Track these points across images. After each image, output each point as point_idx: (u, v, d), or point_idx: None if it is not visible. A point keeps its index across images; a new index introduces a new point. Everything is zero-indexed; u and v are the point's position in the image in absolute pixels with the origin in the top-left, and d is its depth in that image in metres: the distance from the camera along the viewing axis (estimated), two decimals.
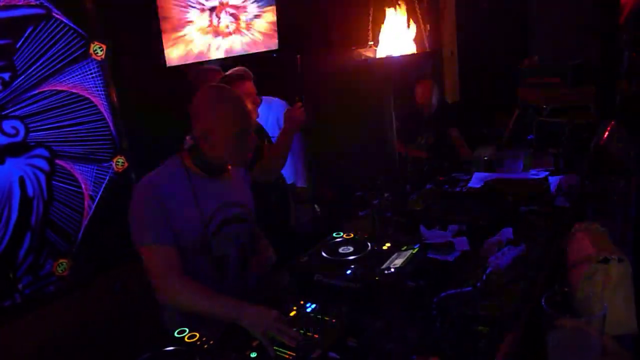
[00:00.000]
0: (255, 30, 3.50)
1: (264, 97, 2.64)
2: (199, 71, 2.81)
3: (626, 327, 1.12)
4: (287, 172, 3.33)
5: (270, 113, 3.03)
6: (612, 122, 2.41)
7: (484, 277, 1.62)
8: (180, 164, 1.69)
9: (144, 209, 1.61)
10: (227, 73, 2.58)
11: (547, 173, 2.67)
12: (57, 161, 2.37)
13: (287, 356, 1.28)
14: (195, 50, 3.10)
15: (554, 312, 1.00)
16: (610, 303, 1.09)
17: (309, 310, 1.46)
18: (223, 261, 1.73)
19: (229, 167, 1.78)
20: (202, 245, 1.67)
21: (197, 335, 1.39)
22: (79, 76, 2.45)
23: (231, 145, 1.65)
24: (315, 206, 3.15)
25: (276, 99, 3.19)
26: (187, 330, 1.41)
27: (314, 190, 3.27)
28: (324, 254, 1.71)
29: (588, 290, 1.12)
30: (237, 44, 3.37)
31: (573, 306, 1.03)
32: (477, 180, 2.68)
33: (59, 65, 2.37)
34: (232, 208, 1.76)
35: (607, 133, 2.28)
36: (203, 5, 3.10)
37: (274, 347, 1.31)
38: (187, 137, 1.70)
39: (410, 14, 2.40)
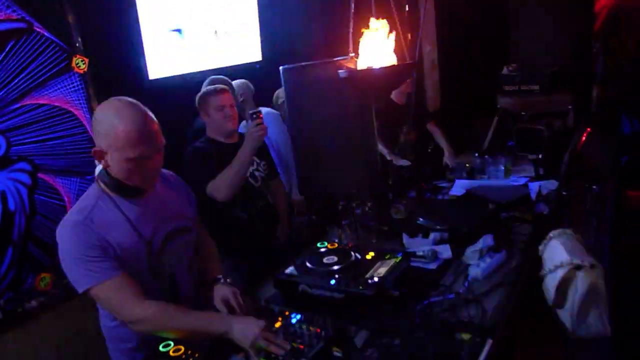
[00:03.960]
0: (238, 42, 3.52)
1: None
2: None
3: (599, 330, 1.15)
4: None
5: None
6: (588, 129, 2.47)
7: (466, 284, 1.66)
8: (99, 191, 1.55)
9: (77, 251, 1.45)
10: (204, 89, 2.59)
11: (527, 179, 2.73)
12: (40, 175, 2.36)
13: None
14: (178, 63, 3.10)
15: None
16: (584, 307, 1.13)
17: (294, 320, 1.47)
18: (173, 280, 1.64)
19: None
20: (150, 268, 1.56)
21: (182, 348, 1.39)
22: (62, 89, 2.45)
23: (126, 170, 1.48)
24: (314, 217, 3.16)
25: (267, 109, 3.20)
26: (172, 344, 1.41)
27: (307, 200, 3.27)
28: (308, 264, 1.73)
29: (562, 296, 1.15)
30: (219, 56, 3.38)
31: (549, 311, 1.06)
32: (458, 187, 2.72)
33: (41, 79, 2.36)
34: (172, 221, 1.64)
35: (583, 139, 2.33)
36: (185, 17, 3.11)
37: (261, 358, 1.32)
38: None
39: (391, 25, 2.44)
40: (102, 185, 1.54)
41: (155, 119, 1.51)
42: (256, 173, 2.55)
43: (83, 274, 1.45)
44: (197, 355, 1.37)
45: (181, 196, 1.77)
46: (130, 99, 1.50)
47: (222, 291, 1.63)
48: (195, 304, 1.68)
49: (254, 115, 2.29)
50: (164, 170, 1.73)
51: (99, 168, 1.59)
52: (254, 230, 2.47)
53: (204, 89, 2.82)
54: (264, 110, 3.13)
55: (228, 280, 1.70)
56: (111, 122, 1.43)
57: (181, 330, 1.46)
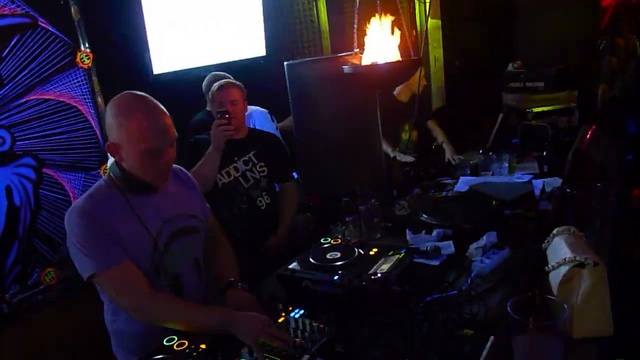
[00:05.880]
0: (242, 37, 3.52)
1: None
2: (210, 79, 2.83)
3: (602, 330, 1.15)
4: None
5: (248, 123, 3.01)
6: (593, 127, 2.46)
7: (469, 281, 1.66)
8: (110, 184, 1.55)
9: (85, 236, 1.45)
10: (211, 83, 2.59)
11: (531, 176, 2.72)
12: (45, 170, 2.37)
13: None
14: (182, 58, 3.11)
15: (518, 317, 1.03)
16: (587, 306, 1.13)
17: (297, 316, 1.48)
18: (177, 280, 1.63)
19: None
20: (154, 264, 1.56)
21: (186, 342, 1.40)
22: (66, 84, 2.46)
23: (140, 164, 1.50)
24: (309, 215, 3.15)
25: (256, 108, 3.19)
26: (176, 338, 1.42)
27: (304, 198, 3.27)
28: (311, 260, 1.73)
29: (565, 294, 1.15)
30: (223, 51, 3.39)
31: (550, 309, 1.07)
32: (462, 184, 2.72)
33: (46, 74, 2.37)
34: (180, 220, 1.64)
35: (587, 137, 2.33)
36: (190, 12, 3.12)
37: (264, 354, 1.32)
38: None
39: (395, 21, 2.43)
40: (113, 178, 1.55)
41: (167, 112, 1.52)
42: (248, 174, 2.47)
43: (89, 259, 1.45)
44: (200, 349, 1.38)
45: (192, 195, 1.77)
46: (141, 93, 1.52)
47: (236, 299, 1.61)
48: (200, 301, 1.67)
49: (219, 115, 2.27)
50: (176, 167, 1.75)
51: (110, 161, 1.59)
52: (234, 231, 2.40)
53: (205, 85, 2.82)
54: (253, 109, 3.12)
55: (241, 285, 1.68)
56: (125, 115, 1.46)
57: (183, 322, 1.45)
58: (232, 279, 1.69)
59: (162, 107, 1.52)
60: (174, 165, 1.70)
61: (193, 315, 1.46)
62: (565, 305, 1.05)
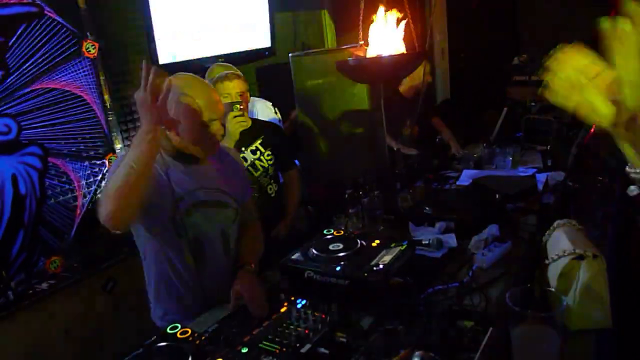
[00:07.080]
0: (247, 28, 3.52)
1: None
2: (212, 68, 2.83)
3: (601, 322, 1.16)
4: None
5: (251, 114, 3.00)
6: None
7: (470, 273, 1.67)
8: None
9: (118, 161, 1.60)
10: (213, 74, 2.59)
11: (534, 170, 2.72)
12: (50, 159, 2.39)
13: (276, 351, 1.31)
14: (187, 48, 3.11)
15: (517, 308, 1.05)
16: (585, 298, 1.14)
17: (299, 306, 1.50)
18: (199, 244, 1.73)
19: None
20: (174, 223, 1.67)
21: (189, 331, 1.42)
22: (72, 74, 2.47)
23: (196, 135, 1.66)
24: (309, 207, 3.16)
25: (259, 99, 3.19)
26: (179, 326, 1.44)
27: (306, 190, 3.28)
28: (314, 250, 1.74)
29: (564, 286, 1.16)
30: (229, 42, 3.38)
31: (549, 302, 1.08)
32: (465, 177, 2.72)
33: (52, 63, 2.38)
34: (211, 193, 1.76)
35: (591, 131, 2.32)
36: (195, 2, 3.11)
37: (263, 343, 1.34)
38: None
39: (401, 13, 2.43)
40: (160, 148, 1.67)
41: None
42: (257, 162, 2.54)
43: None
44: (203, 337, 1.39)
45: (231, 174, 1.88)
46: (191, 74, 1.73)
47: (245, 280, 1.67)
48: (224, 271, 1.78)
49: (233, 107, 2.28)
50: (224, 146, 1.93)
51: None
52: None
53: (206, 76, 2.81)
54: (256, 100, 3.13)
55: (246, 267, 1.74)
56: (181, 91, 1.64)
57: (122, 179, 1.43)
58: (247, 262, 1.77)
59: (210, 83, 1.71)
60: (223, 145, 1.89)
61: (131, 157, 1.44)
62: (564, 297, 1.06)
